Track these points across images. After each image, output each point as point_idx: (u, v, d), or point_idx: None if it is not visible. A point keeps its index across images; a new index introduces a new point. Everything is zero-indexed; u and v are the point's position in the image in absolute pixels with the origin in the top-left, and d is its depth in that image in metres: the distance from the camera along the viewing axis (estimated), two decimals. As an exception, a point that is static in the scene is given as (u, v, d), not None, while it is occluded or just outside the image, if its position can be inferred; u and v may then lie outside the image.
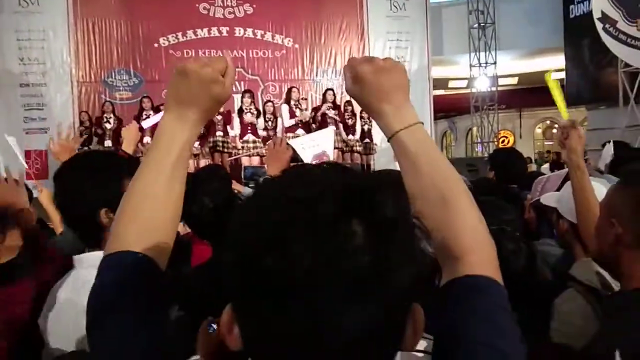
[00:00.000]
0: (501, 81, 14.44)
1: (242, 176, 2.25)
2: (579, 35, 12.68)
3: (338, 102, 9.52)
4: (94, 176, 1.43)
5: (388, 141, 0.88)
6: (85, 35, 9.61)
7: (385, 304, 0.52)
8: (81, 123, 8.84)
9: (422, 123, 0.90)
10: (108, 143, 8.37)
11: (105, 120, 8.66)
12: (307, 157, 2.55)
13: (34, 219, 1.75)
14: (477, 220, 0.80)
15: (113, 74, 9.76)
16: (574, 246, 1.76)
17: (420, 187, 0.81)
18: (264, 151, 8.46)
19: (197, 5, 10.08)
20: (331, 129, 3.41)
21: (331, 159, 2.65)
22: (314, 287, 0.50)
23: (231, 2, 10.24)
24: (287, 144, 1.84)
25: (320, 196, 0.52)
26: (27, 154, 9.17)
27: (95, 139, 8.67)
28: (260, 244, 0.52)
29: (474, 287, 0.71)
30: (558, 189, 1.99)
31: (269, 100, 9.25)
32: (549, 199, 1.90)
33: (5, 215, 1.50)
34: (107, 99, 9.27)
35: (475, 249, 0.75)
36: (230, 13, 10.26)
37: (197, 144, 8.28)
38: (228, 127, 8.64)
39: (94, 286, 0.77)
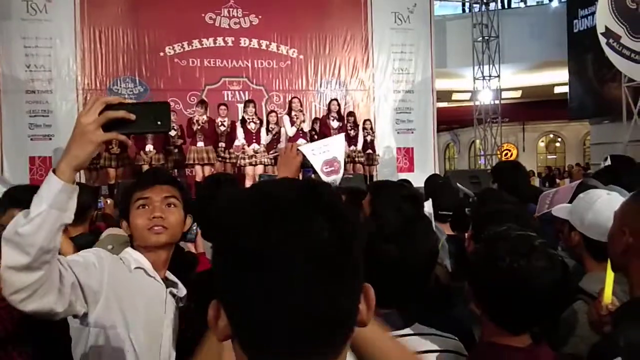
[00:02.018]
0: (504, 94, 14.46)
1: (257, 184, 2.25)
2: (582, 50, 12.74)
3: (342, 113, 9.56)
4: None
5: None
6: (91, 43, 9.69)
7: (343, 284, 0.62)
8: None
9: None
10: (115, 150, 8.36)
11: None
12: (318, 163, 2.56)
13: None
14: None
15: (118, 82, 9.82)
16: (585, 259, 1.76)
17: None
18: (266, 160, 8.48)
19: (203, 15, 10.16)
20: (342, 135, 3.43)
21: (341, 165, 2.64)
22: (287, 260, 0.59)
23: (237, 12, 10.33)
24: (298, 149, 1.86)
25: (286, 191, 0.64)
26: (32, 160, 9.25)
27: (102, 146, 8.64)
28: (238, 229, 0.61)
29: None
30: (570, 201, 1.99)
31: (273, 110, 9.29)
32: (560, 211, 1.89)
33: None
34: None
35: None
36: (236, 23, 10.34)
37: (209, 153, 8.33)
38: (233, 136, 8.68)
39: None
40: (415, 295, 1.28)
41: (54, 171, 1.13)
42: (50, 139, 9.31)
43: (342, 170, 2.89)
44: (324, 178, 2.85)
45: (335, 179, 2.86)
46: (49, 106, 9.46)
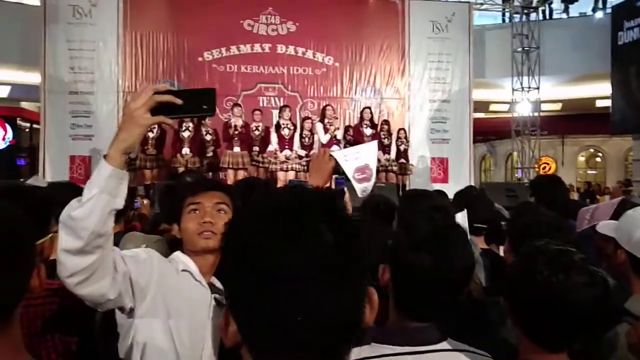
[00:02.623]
0: (544, 106, 14.13)
1: (288, 190, 2.22)
2: (627, 63, 12.36)
3: (375, 121, 9.51)
4: None
5: None
6: (133, 48, 9.94)
7: (352, 288, 0.65)
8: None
9: None
10: (151, 151, 8.52)
11: (149, 129, 8.76)
12: (350, 169, 2.53)
13: None
14: None
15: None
16: (631, 279, 1.68)
17: None
18: (298, 166, 8.49)
19: (241, 21, 10.30)
20: (375, 142, 3.39)
21: (373, 172, 2.62)
22: (290, 266, 0.62)
23: (275, 19, 10.43)
24: (330, 155, 1.84)
25: (292, 200, 0.67)
26: (72, 159, 9.52)
27: (138, 147, 8.82)
28: (244, 236, 0.66)
29: None
30: (611, 218, 1.91)
31: (308, 117, 9.31)
32: (606, 227, 1.81)
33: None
34: (151, 110, 9.49)
35: None
36: (273, 30, 10.44)
37: (244, 158, 8.41)
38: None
39: None
40: (450, 308, 1.25)
41: (104, 157, 1.17)
42: (91, 139, 9.57)
43: (373, 178, 2.85)
44: (355, 185, 2.82)
45: (366, 186, 2.82)
46: (90, 107, 9.73)
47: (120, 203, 1.18)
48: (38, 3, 9.88)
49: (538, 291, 1.17)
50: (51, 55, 9.61)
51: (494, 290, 2.07)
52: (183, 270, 1.51)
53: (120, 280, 1.30)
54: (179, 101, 1.15)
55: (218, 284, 1.58)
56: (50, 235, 1.51)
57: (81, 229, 1.13)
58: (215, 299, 1.53)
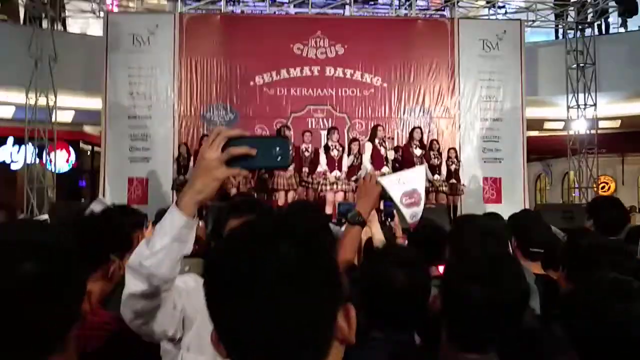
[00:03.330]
0: (602, 124, 13.58)
1: (337, 212, 2.23)
2: (691, 77, 11.76)
3: (425, 141, 9.44)
4: None
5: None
6: (188, 73, 10.33)
7: (313, 298, 0.68)
8: (180, 154, 9.37)
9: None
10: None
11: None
12: (397, 194, 2.52)
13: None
14: None
15: (211, 109, 10.35)
16: None
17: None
18: (347, 187, 8.52)
19: (291, 45, 10.53)
20: (423, 167, 3.34)
21: (422, 197, 2.61)
22: (257, 285, 0.67)
23: (324, 42, 10.59)
24: (377, 181, 1.86)
25: (262, 222, 0.76)
26: (130, 181, 9.93)
27: (191, 169, 9.10)
28: (219, 263, 0.72)
29: None
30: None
31: (355, 138, 9.36)
32: None
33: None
34: (205, 133, 9.82)
35: None
36: (322, 53, 10.60)
37: (295, 179, 8.53)
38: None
39: None
40: (505, 338, 1.23)
41: (176, 203, 1.17)
42: (148, 161, 9.97)
43: (422, 203, 2.82)
44: (404, 210, 2.80)
45: (415, 211, 2.79)
46: (147, 131, 10.15)
47: (189, 248, 1.19)
48: (101, 34, 10.46)
49: (597, 320, 1.14)
50: (112, 81, 10.12)
51: (552, 318, 2.02)
52: None
53: (177, 315, 1.35)
54: (253, 152, 1.11)
55: None
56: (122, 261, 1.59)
57: (152, 276, 1.15)
58: None
